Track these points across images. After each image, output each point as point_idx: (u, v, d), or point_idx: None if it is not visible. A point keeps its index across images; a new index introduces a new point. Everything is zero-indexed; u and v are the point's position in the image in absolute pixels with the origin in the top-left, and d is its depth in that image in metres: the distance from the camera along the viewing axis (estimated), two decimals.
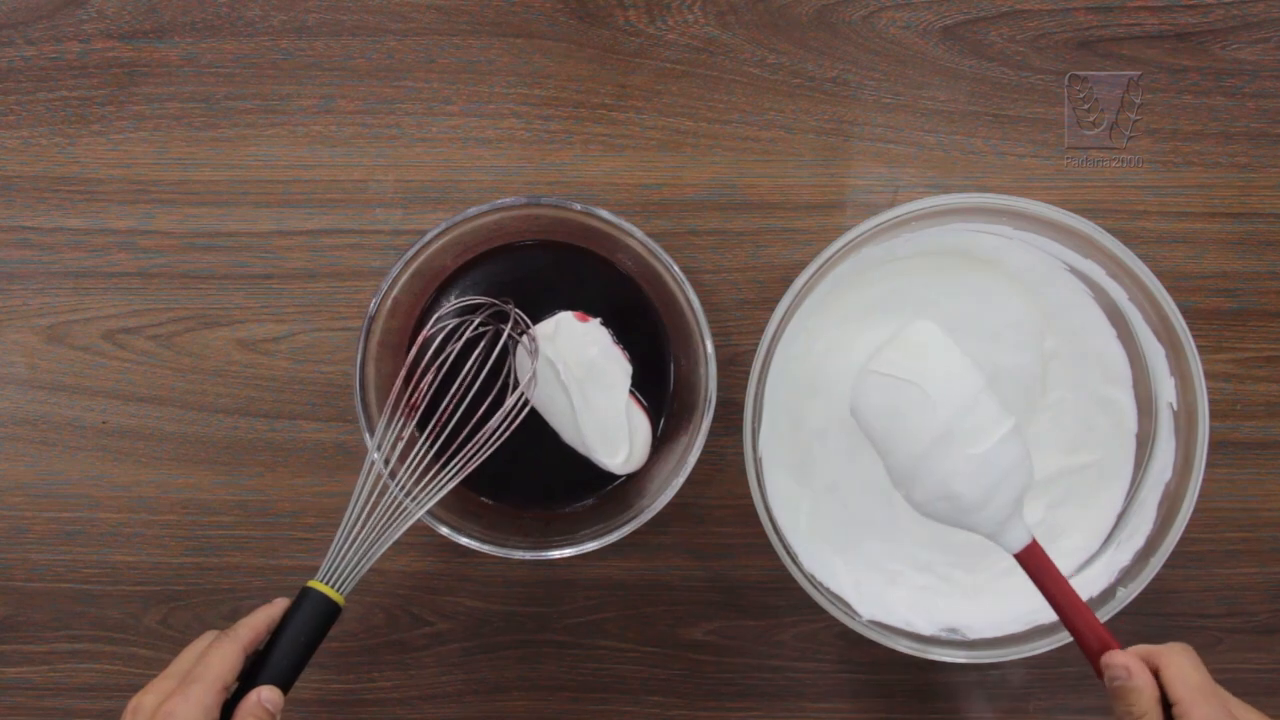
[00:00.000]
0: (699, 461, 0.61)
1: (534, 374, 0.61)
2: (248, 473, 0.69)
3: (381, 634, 0.69)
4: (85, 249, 0.68)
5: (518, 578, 0.69)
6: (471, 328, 0.61)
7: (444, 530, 0.61)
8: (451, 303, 0.62)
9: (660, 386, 0.66)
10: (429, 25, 0.67)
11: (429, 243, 0.61)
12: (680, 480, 0.61)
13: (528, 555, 0.61)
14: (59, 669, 0.69)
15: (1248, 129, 0.68)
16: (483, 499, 0.66)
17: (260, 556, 0.69)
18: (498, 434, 0.60)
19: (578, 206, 0.61)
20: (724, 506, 0.68)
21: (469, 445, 0.59)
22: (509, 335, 0.61)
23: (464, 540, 0.61)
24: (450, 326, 0.62)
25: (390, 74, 0.67)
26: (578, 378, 0.62)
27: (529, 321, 0.62)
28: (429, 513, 0.61)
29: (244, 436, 0.68)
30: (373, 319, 0.60)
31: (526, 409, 0.61)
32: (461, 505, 0.65)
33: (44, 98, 0.68)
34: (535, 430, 0.64)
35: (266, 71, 0.67)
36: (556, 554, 0.61)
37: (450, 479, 0.59)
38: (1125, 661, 0.47)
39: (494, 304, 0.63)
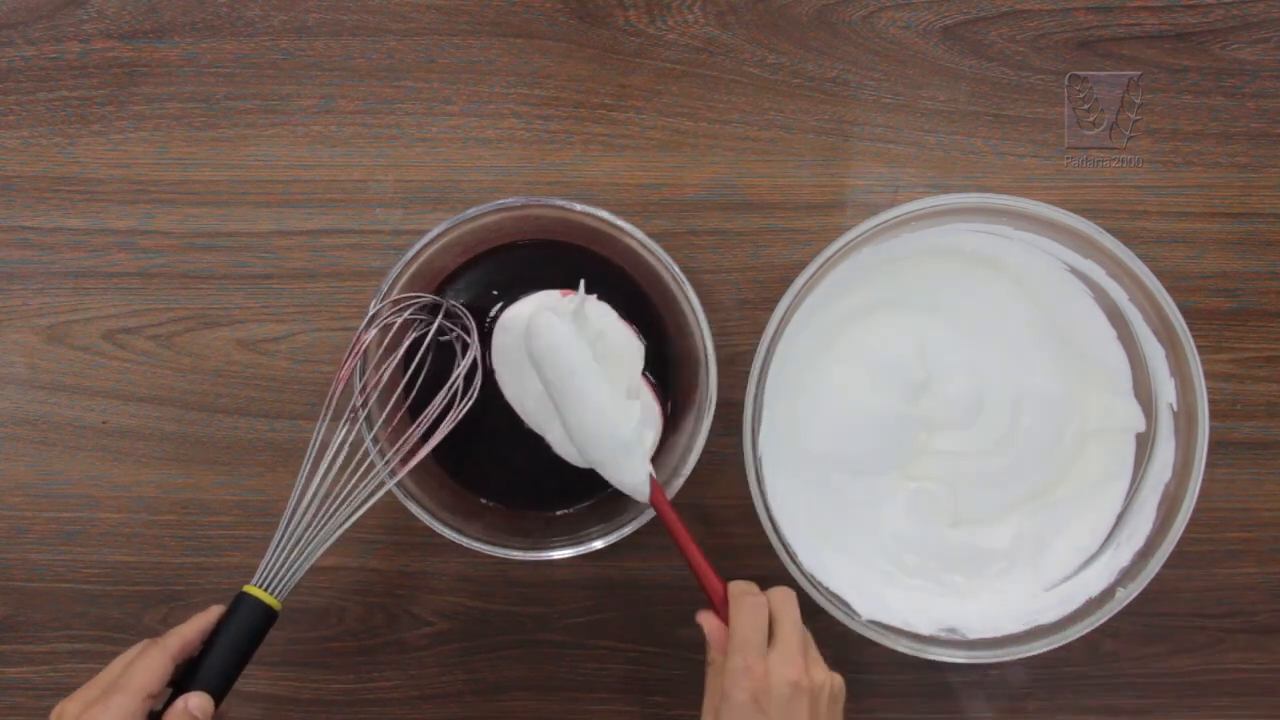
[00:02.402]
0: (699, 461, 0.61)
1: (469, 366, 0.61)
2: (248, 473, 0.69)
3: (381, 634, 0.69)
4: (85, 249, 0.68)
5: (518, 578, 0.69)
6: (398, 323, 0.60)
7: (445, 531, 0.61)
8: (390, 299, 0.61)
9: (660, 387, 0.66)
10: (429, 25, 0.67)
11: (429, 243, 0.61)
12: (680, 480, 0.61)
13: (528, 555, 0.61)
14: (59, 669, 0.69)
15: (1248, 129, 0.68)
16: (483, 500, 0.66)
17: (260, 556, 0.68)
18: (438, 423, 0.59)
19: (578, 206, 0.61)
20: (724, 506, 0.68)
21: (412, 437, 0.59)
22: (445, 329, 0.61)
23: (464, 541, 0.61)
24: (386, 324, 0.61)
25: (390, 74, 0.67)
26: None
27: (469, 316, 0.61)
28: (430, 513, 0.61)
29: (244, 436, 0.68)
30: (375, 315, 0.60)
31: (469, 401, 0.61)
32: (463, 506, 0.65)
33: (44, 98, 0.68)
34: (535, 431, 0.64)
35: (266, 71, 0.67)
36: (557, 554, 0.61)
37: (397, 469, 0.59)
38: (714, 621, 0.55)
39: (428, 299, 0.62)
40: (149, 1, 0.67)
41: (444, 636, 0.69)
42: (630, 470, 0.59)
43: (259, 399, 0.68)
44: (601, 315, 0.63)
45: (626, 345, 0.64)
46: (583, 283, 0.62)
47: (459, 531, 0.61)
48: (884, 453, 0.65)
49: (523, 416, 0.64)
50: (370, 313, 0.59)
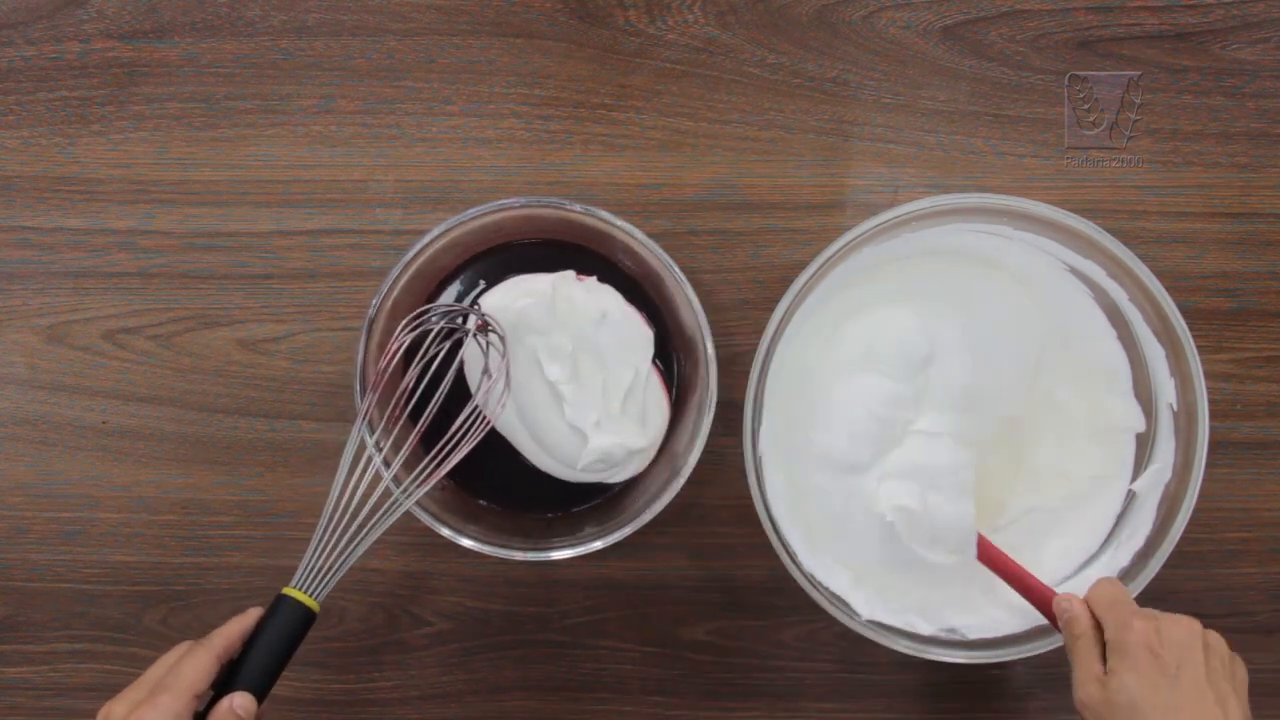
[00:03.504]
0: (699, 461, 0.61)
1: (492, 370, 0.60)
2: (248, 473, 0.69)
3: (381, 634, 0.69)
4: (85, 249, 0.68)
5: (518, 578, 0.69)
6: (433, 334, 0.60)
7: (445, 532, 0.61)
8: (416, 311, 0.61)
9: (668, 376, 0.66)
10: (429, 25, 0.67)
11: (429, 243, 0.61)
12: (680, 481, 0.61)
13: (528, 556, 0.61)
14: (59, 669, 0.69)
15: (1248, 129, 0.68)
16: (483, 501, 0.66)
17: (260, 556, 0.69)
18: (464, 435, 0.59)
19: (578, 207, 0.61)
20: (724, 506, 0.68)
21: (442, 445, 0.59)
22: (473, 336, 0.61)
23: (465, 541, 0.61)
24: (423, 330, 0.61)
25: (390, 74, 0.67)
26: (587, 348, 0.62)
27: (499, 324, 0.61)
28: (430, 514, 0.61)
29: (244, 436, 0.68)
30: (373, 320, 0.60)
31: (501, 409, 0.61)
32: (463, 507, 0.65)
33: (44, 98, 0.68)
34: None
35: (266, 71, 0.67)
36: (557, 554, 0.61)
37: (424, 480, 0.59)
38: (1067, 595, 0.57)
39: (463, 308, 0.62)
40: (149, 1, 0.67)
41: (444, 636, 0.69)
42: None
43: (259, 399, 0.68)
44: (605, 298, 0.63)
45: (633, 330, 0.63)
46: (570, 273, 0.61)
47: (459, 532, 0.61)
48: (879, 439, 0.65)
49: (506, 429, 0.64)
50: (408, 317, 0.60)
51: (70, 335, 0.68)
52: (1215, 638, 0.52)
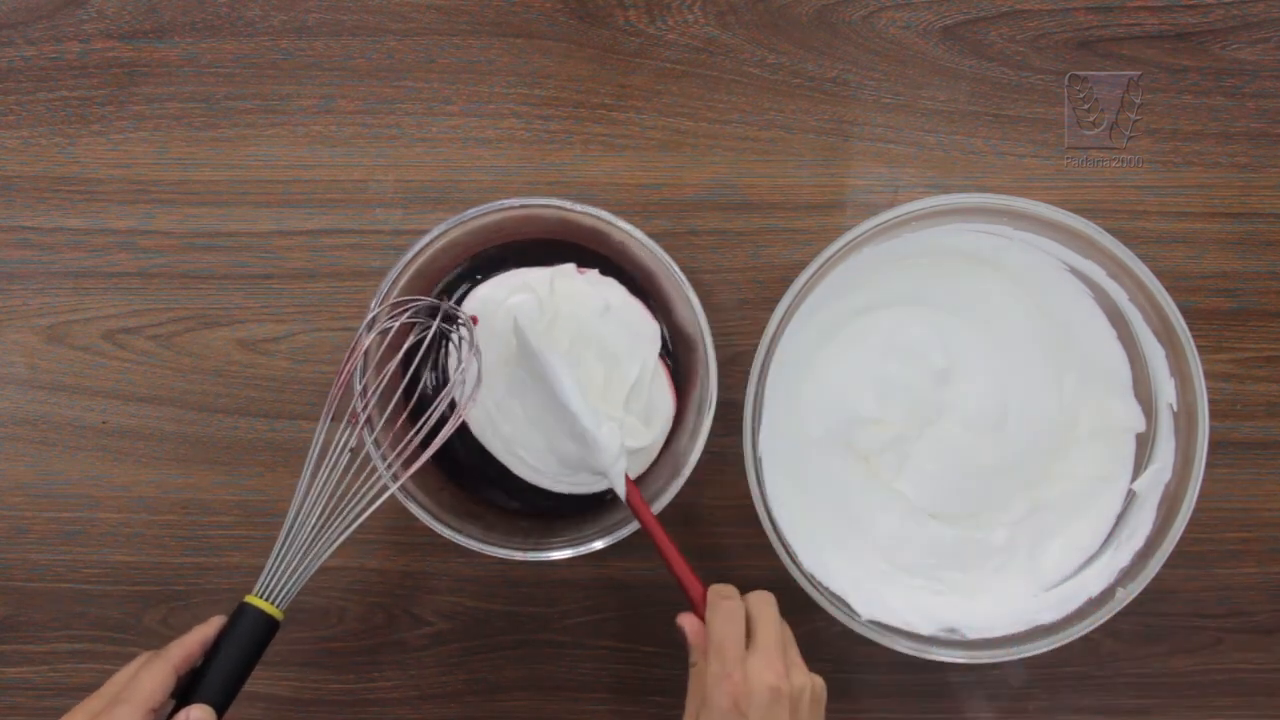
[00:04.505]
0: (699, 461, 0.61)
1: (467, 369, 0.60)
2: (248, 473, 0.69)
3: (381, 634, 0.69)
4: (85, 249, 0.68)
5: (518, 578, 0.69)
6: (396, 326, 0.59)
7: (445, 532, 0.61)
8: (389, 303, 0.60)
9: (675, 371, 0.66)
10: (429, 25, 0.67)
11: (429, 243, 0.61)
12: (680, 481, 0.61)
13: (528, 555, 0.61)
14: (59, 669, 0.69)
15: (1248, 129, 0.68)
16: (482, 501, 0.66)
17: (260, 556, 0.68)
18: (431, 431, 0.58)
19: (578, 207, 0.61)
20: (724, 506, 0.68)
21: (408, 440, 0.58)
22: (442, 329, 0.60)
23: (464, 541, 0.61)
24: (384, 330, 0.61)
25: (390, 74, 0.67)
26: (590, 343, 0.62)
27: (467, 318, 0.61)
28: (430, 513, 0.61)
29: (244, 436, 0.68)
30: (373, 320, 0.60)
31: (470, 404, 0.60)
32: (463, 507, 0.65)
33: (44, 98, 0.68)
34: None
35: (266, 71, 0.67)
36: (556, 554, 0.61)
37: (399, 473, 0.58)
38: (682, 622, 0.56)
39: (426, 302, 0.62)
40: (149, 1, 0.67)
41: (444, 636, 0.69)
42: (611, 455, 0.59)
43: (259, 399, 0.68)
44: (608, 290, 0.63)
45: (640, 322, 0.63)
46: (571, 267, 0.61)
47: (459, 532, 0.61)
48: (893, 409, 0.65)
49: (485, 436, 0.63)
50: (369, 316, 0.59)
51: (70, 335, 0.68)
52: (800, 684, 0.51)
